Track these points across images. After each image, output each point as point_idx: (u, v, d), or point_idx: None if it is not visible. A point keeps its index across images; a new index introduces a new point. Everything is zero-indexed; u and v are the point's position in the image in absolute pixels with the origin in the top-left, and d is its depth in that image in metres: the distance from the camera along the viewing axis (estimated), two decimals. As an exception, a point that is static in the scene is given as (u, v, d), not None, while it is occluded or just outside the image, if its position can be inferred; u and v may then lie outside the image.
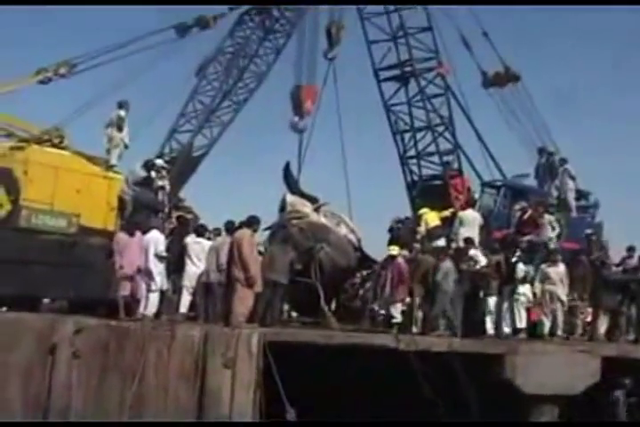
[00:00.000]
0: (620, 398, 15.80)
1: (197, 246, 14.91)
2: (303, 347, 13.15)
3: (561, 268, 16.92)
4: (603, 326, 17.68)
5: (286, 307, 17.06)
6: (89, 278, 13.93)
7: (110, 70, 19.75)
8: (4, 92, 16.84)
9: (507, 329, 16.25)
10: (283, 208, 17.99)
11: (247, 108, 23.75)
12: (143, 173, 16.90)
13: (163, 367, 12.09)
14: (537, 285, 16.88)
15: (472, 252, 16.70)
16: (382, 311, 16.33)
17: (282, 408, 12.31)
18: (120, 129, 17.15)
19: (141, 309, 13.70)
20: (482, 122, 23.98)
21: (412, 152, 22.98)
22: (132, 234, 13.99)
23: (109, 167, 16.45)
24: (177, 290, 15.02)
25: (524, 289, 16.41)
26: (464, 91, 23.11)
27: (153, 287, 13.88)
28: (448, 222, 19.05)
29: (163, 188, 17.34)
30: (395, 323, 15.68)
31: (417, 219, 19.30)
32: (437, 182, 22.76)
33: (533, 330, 16.87)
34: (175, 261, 14.80)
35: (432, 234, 18.45)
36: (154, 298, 13.91)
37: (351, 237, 18.54)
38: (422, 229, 18.68)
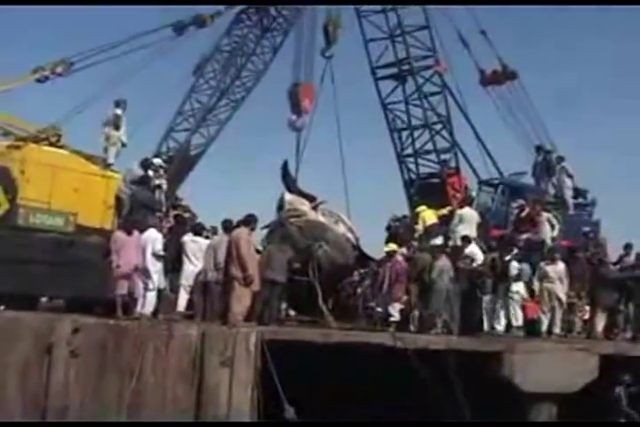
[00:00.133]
0: (621, 394, 15.84)
1: (195, 245, 14.89)
2: (301, 345, 13.13)
3: (560, 266, 16.92)
4: (600, 323, 17.67)
5: (284, 305, 17.05)
6: (86, 277, 13.92)
7: (108, 69, 19.72)
8: (1, 90, 16.82)
9: (499, 327, 16.25)
10: (281, 207, 17.96)
11: (245, 107, 23.81)
12: (141, 172, 16.87)
13: (160, 366, 12.09)
14: (535, 283, 16.89)
15: (470, 249, 16.71)
16: (380, 310, 16.34)
17: (280, 407, 12.32)
18: (117, 128, 17.16)
19: (139, 308, 13.69)
20: (479, 120, 24.07)
21: (409, 150, 23.04)
22: (129, 233, 13.98)
23: (107, 166, 16.46)
24: (174, 289, 15.01)
25: (518, 287, 16.38)
26: (461, 89, 23.20)
27: (150, 286, 13.87)
28: (445, 220, 19.05)
29: (160, 186, 17.31)
30: (392, 321, 15.67)
31: (414, 217, 19.30)
32: (435, 180, 22.82)
33: (532, 328, 16.88)
34: (173, 259, 14.78)
35: (430, 232, 18.46)
36: (151, 297, 13.90)
37: (349, 235, 18.52)
38: (420, 227, 18.69)
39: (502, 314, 16.28)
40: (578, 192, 22.64)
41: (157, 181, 17.32)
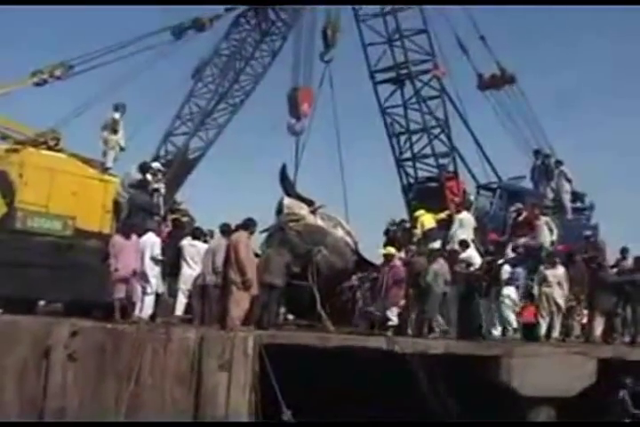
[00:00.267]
0: (625, 397, 15.86)
1: (193, 249, 14.92)
2: (299, 349, 13.13)
3: (560, 270, 16.92)
4: (599, 327, 17.67)
5: (283, 310, 17.03)
6: (85, 281, 13.89)
7: (106, 72, 19.73)
8: (-1, 94, 16.83)
9: (496, 332, 16.23)
10: (280, 211, 17.97)
11: (243, 111, 23.81)
12: (139, 176, 16.88)
13: (159, 370, 12.08)
14: (535, 287, 16.89)
15: (468, 253, 16.71)
16: (378, 313, 16.31)
17: (278, 410, 12.32)
18: (115, 132, 17.18)
19: (137, 311, 13.69)
20: (478, 124, 24.07)
21: (407, 154, 23.04)
22: (127, 237, 13.98)
23: (105, 170, 16.44)
24: (173, 293, 15.01)
25: (509, 291, 16.34)
26: (460, 93, 23.19)
27: (148, 290, 13.88)
28: (444, 225, 19.06)
29: (158, 190, 17.31)
30: (390, 325, 15.65)
31: (413, 221, 19.31)
32: (433, 185, 22.80)
33: (530, 332, 16.87)
34: (171, 263, 14.79)
35: (428, 236, 18.47)
36: (149, 301, 13.91)
37: (348, 239, 18.52)
38: (418, 231, 18.70)
39: (497, 318, 16.28)
40: (576, 196, 22.67)
41: (156, 185, 17.31)
